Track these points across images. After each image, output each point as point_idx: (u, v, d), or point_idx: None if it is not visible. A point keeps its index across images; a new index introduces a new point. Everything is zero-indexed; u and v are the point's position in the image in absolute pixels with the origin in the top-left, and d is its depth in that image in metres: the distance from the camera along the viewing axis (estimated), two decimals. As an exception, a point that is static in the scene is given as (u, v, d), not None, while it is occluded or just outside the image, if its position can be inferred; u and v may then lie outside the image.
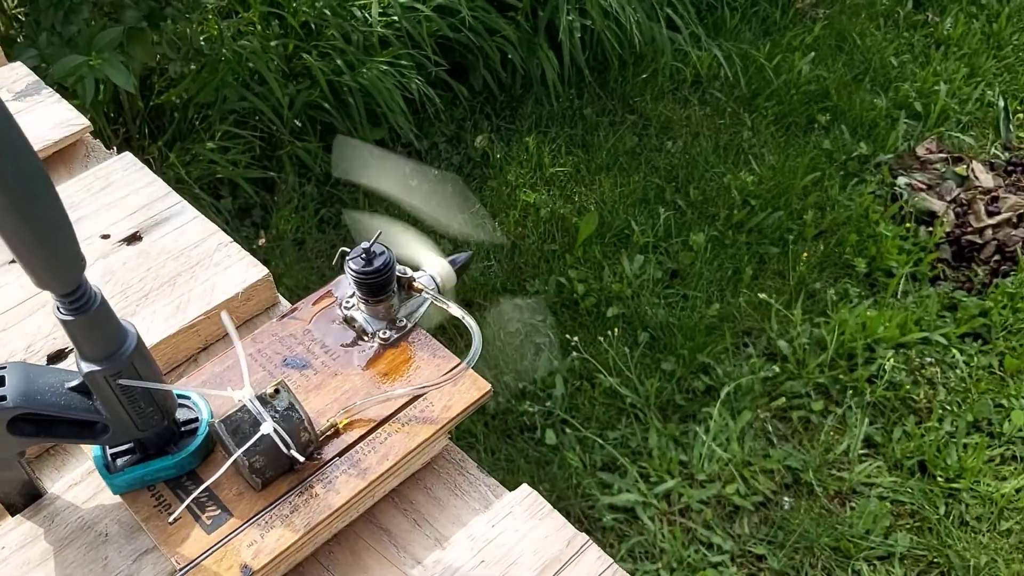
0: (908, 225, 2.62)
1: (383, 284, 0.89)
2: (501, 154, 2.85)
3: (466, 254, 0.98)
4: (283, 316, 0.95)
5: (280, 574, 0.82)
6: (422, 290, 0.92)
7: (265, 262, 1.03)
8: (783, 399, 2.35)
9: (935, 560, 2.12)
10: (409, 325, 0.93)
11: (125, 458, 0.83)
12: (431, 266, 0.95)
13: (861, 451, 2.26)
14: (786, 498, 2.23)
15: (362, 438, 0.85)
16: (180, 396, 0.86)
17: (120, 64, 1.92)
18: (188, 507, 0.80)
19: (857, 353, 2.40)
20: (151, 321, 0.98)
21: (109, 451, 0.83)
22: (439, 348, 0.91)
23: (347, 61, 2.66)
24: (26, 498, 0.85)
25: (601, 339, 2.41)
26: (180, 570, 0.77)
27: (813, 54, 3.09)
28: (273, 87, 2.54)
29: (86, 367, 0.74)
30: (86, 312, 0.71)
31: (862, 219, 2.64)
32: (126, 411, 0.77)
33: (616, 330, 2.42)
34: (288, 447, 0.79)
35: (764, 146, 2.83)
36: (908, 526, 2.19)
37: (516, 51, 2.85)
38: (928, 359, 2.42)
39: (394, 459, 0.83)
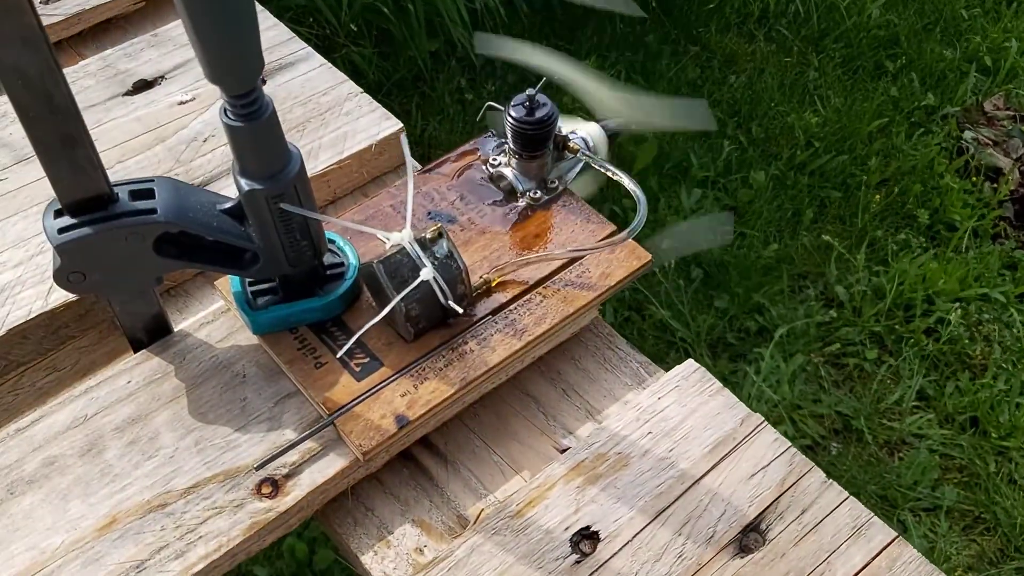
0: (974, 179, 2.56)
1: (543, 138, 0.82)
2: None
3: (618, 121, 0.91)
4: (425, 169, 0.88)
5: (428, 430, 0.76)
6: (578, 150, 0.85)
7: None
8: (837, 345, 2.30)
9: (982, 515, 2.07)
10: (561, 188, 0.86)
11: (267, 297, 0.76)
12: (582, 128, 0.88)
13: (913, 403, 2.21)
14: (834, 443, 2.18)
15: (516, 299, 0.79)
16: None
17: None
18: (335, 352, 0.75)
19: (915, 304, 2.34)
20: (275, 169, 0.91)
21: (249, 289, 0.77)
22: (593, 213, 0.85)
23: (410, -35, 2.56)
24: (152, 334, 0.78)
25: (656, 270, 2.35)
26: (329, 415, 0.71)
27: (884, -1, 3.00)
28: (335, -16, 2.45)
29: (247, 184, 0.68)
30: (257, 119, 0.65)
31: (927, 170, 2.57)
32: (280, 241, 0.71)
33: (670, 263, 2.36)
34: (446, 296, 0.73)
35: (830, 88, 2.75)
36: (956, 480, 2.14)
37: (582, -31, 2.75)
38: (986, 316, 2.37)
39: (551, 323, 0.77)
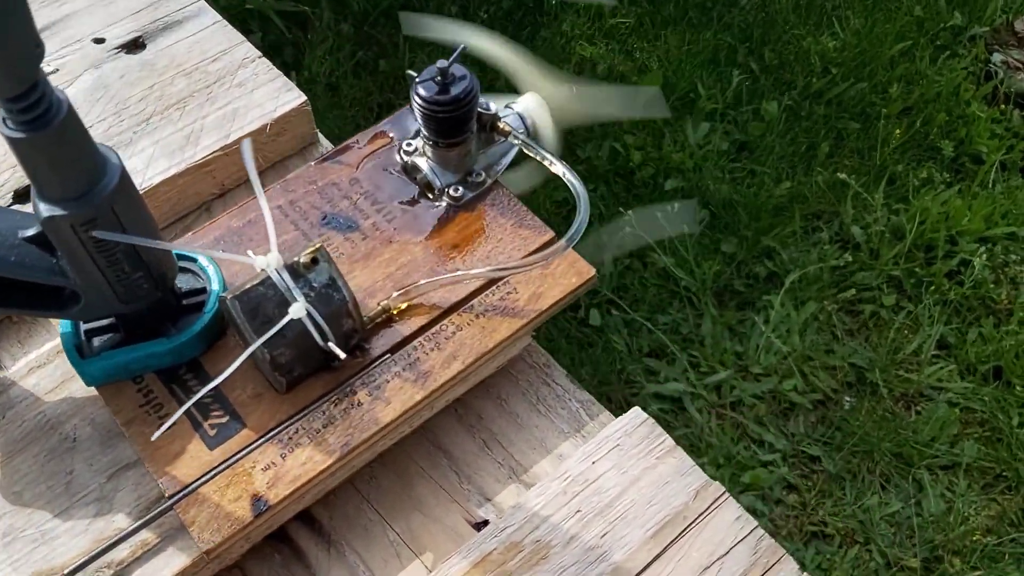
0: (1003, 107, 2.37)
1: (460, 120, 0.65)
2: (556, 1, 2.57)
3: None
4: (324, 158, 0.71)
5: (305, 506, 0.61)
6: (509, 133, 0.68)
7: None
8: (852, 290, 2.15)
9: (1003, 473, 1.94)
10: (489, 181, 0.70)
11: (104, 338, 0.61)
12: (518, 102, 0.71)
13: (932, 352, 2.07)
14: (847, 397, 2.05)
15: (423, 330, 0.63)
16: (182, 258, 0.64)
17: None
18: (187, 411, 0.59)
19: (937, 245, 2.18)
20: (151, 154, 0.75)
21: (83, 327, 0.61)
22: (527, 215, 0.68)
23: None
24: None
25: (658, 215, 2.19)
26: (169, 497, 0.56)
27: (908, -93, 2.77)
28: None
29: (46, 209, 0.52)
30: (45, 127, 0.48)
31: (952, 97, 2.38)
32: (103, 275, 0.55)
33: (675, 205, 2.20)
34: (325, 338, 0.58)
35: (849, 8, 2.55)
36: (977, 435, 2.01)
37: None
38: (1013, 256, 2.20)
39: (463, 363, 0.62)
